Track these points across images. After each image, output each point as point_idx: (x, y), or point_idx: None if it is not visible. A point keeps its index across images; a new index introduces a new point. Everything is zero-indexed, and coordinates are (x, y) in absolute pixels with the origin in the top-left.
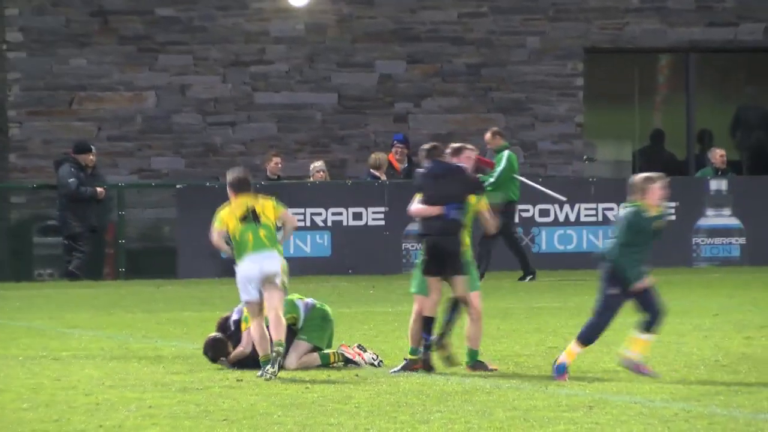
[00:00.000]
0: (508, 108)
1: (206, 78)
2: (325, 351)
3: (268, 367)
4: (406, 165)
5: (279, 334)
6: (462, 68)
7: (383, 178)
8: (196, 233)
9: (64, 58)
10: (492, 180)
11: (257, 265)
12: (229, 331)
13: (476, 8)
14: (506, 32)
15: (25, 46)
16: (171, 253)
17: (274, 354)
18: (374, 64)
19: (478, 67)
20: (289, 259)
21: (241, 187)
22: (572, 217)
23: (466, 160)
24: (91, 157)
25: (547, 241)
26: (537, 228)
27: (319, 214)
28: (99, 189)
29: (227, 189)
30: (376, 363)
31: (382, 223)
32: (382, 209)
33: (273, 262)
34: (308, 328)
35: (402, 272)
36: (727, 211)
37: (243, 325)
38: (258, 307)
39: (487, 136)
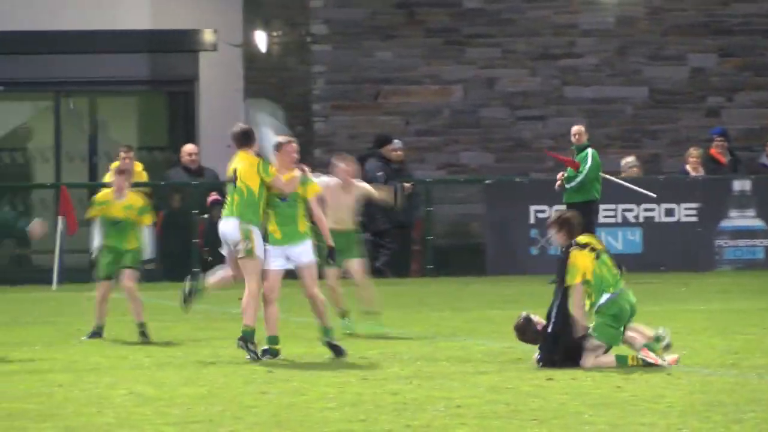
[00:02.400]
0: None
1: (514, 71)
2: (623, 354)
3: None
4: (730, 158)
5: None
6: None
7: (696, 173)
8: (504, 229)
9: (370, 50)
10: (580, 179)
11: (221, 231)
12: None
13: None
14: None
15: (329, 39)
16: (479, 249)
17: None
18: (685, 57)
19: None
20: None
21: (242, 141)
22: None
23: None
24: (399, 152)
25: None
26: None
27: (631, 210)
28: (406, 184)
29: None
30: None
31: (695, 219)
32: (695, 205)
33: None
34: (599, 327)
35: (715, 269)
36: (751, 212)
37: None
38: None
39: (578, 131)
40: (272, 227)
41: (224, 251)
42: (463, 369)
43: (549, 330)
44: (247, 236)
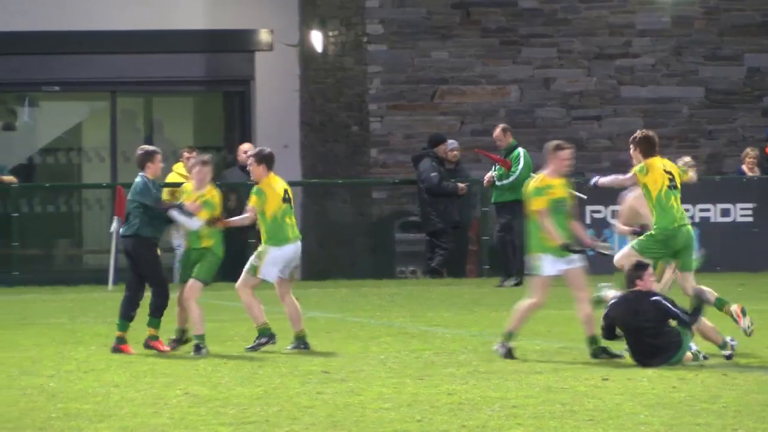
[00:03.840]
0: None
1: (570, 71)
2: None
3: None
4: None
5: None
6: None
7: (752, 173)
8: None
9: (426, 50)
10: (512, 179)
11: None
12: None
13: None
14: None
15: (385, 39)
16: None
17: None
18: (742, 57)
19: None
20: None
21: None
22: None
23: None
24: (455, 152)
25: None
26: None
27: (687, 210)
28: (461, 185)
29: (257, 162)
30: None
31: (751, 219)
32: (751, 205)
33: None
34: (642, 242)
35: None
36: None
37: None
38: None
39: (498, 133)
40: None
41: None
42: (518, 369)
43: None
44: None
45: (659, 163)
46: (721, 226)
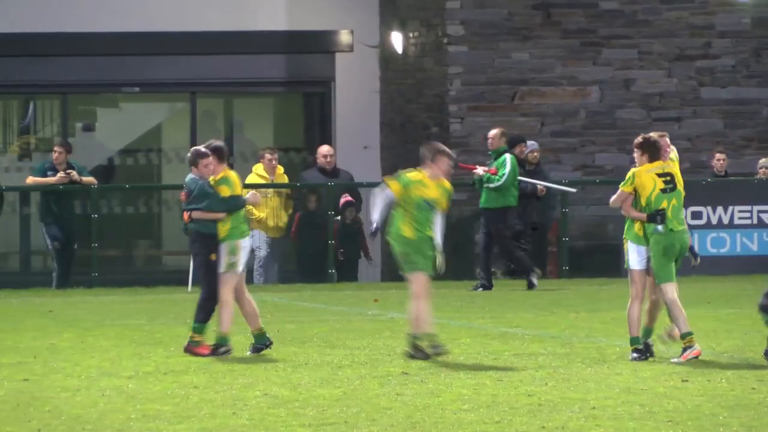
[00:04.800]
0: None
1: (651, 72)
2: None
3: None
4: None
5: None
6: None
7: None
8: None
9: (506, 51)
10: (499, 183)
11: None
12: None
13: None
14: None
15: (466, 40)
16: (615, 251)
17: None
18: None
19: None
20: (734, 258)
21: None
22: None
23: None
24: (535, 153)
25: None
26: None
27: (766, 211)
28: (540, 186)
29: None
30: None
31: None
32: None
33: None
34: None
35: None
36: None
37: None
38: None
39: (494, 133)
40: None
41: None
42: (598, 370)
43: None
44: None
45: (652, 167)
46: None
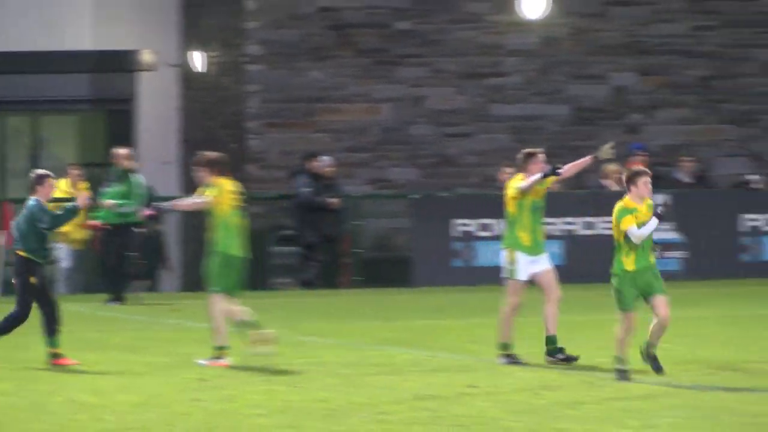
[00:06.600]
0: (738, 119)
1: (442, 90)
2: None
3: None
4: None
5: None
6: (693, 80)
7: (615, 188)
8: (430, 242)
9: (303, 70)
10: (130, 206)
11: None
12: None
13: (707, 21)
14: (736, 45)
15: (264, 59)
16: (405, 262)
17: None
18: (607, 76)
19: (708, 79)
20: None
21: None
22: None
23: None
24: (327, 168)
25: None
26: None
27: (551, 223)
28: (331, 200)
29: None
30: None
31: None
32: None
33: None
34: None
35: None
36: (667, 226)
37: None
38: None
39: (123, 153)
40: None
41: None
42: (388, 377)
43: None
44: None
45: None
46: (586, 239)
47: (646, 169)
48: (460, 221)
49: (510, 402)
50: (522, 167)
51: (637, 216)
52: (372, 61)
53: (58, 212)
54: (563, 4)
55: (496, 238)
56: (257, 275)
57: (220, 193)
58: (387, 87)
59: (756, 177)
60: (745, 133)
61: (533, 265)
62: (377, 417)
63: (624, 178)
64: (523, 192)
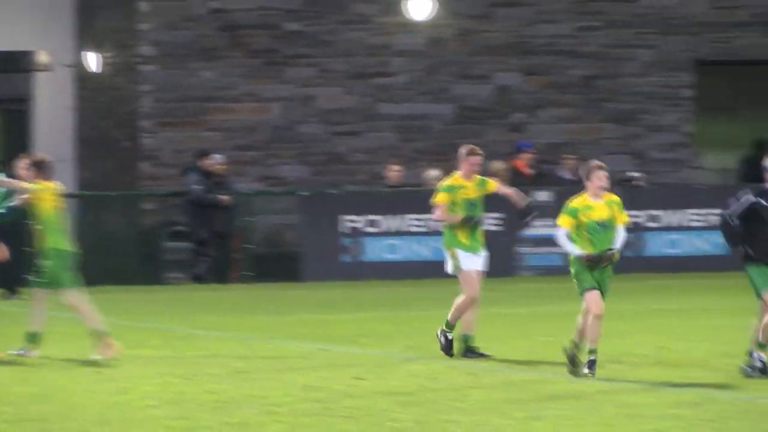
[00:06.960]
0: (620, 118)
1: (331, 90)
2: None
3: None
4: (535, 171)
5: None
6: (576, 80)
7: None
8: (319, 238)
9: (195, 70)
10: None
11: None
12: None
13: (590, 22)
14: (619, 45)
15: (157, 60)
16: (295, 257)
17: None
18: (492, 76)
19: (591, 78)
20: (408, 264)
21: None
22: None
23: None
24: (218, 165)
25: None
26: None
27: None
28: (223, 197)
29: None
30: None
31: (501, 228)
32: (500, 215)
33: None
34: None
35: (517, 275)
36: (551, 222)
37: None
38: None
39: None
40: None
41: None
42: (278, 369)
43: None
44: None
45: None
46: None
47: (602, 164)
48: (348, 217)
49: (398, 394)
50: (460, 163)
51: (590, 214)
52: (263, 62)
53: None
54: (449, 5)
55: (384, 234)
56: (150, 270)
57: (42, 192)
58: (277, 87)
59: (638, 174)
60: (625, 132)
61: (473, 259)
62: (267, 409)
63: (582, 173)
64: (439, 218)
